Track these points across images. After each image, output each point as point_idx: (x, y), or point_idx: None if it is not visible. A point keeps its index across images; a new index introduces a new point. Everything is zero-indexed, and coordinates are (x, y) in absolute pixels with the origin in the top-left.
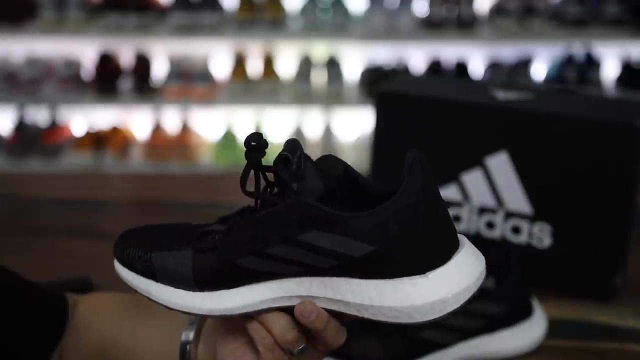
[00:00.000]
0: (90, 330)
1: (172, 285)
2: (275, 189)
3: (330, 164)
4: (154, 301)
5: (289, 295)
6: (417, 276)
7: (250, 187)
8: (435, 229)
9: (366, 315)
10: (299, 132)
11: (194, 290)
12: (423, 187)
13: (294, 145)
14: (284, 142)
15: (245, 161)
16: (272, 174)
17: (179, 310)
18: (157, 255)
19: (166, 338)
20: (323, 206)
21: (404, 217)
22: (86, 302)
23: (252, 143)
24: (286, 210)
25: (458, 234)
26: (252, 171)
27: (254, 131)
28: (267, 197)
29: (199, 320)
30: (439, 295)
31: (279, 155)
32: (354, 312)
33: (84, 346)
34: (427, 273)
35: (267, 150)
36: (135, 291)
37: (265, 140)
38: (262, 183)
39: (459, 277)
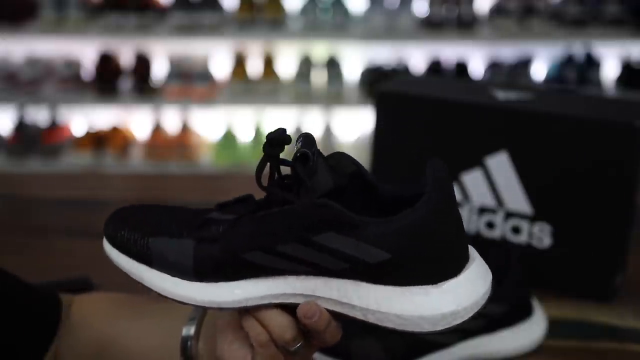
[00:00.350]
0: (86, 330)
1: (168, 273)
2: (286, 182)
3: (340, 161)
4: (147, 287)
5: (292, 293)
6: (430, 286)
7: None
8: (451, 241)
9: (371, 319)
10: (298, 132)
11: (191, 280)
12: (444, 200)
13: (310, 140)
14: (300, 136)
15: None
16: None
17: (173, 300)
18: (155, 240)
19: (165, 336)
20: (343, 209)
21: (423, 229)
22: (82, 301)
23: (277, 139)
24: (303, 209)
25: (469, 249)
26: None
27: (279, 127)
28: (283, 194)
29: (200, 315)
30: (450, 306)
31: (299, 152)
32: (358, 315)
33: (81, 346)
34: (440, 284)
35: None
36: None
37: (289, 136)
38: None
39: (470, 290)
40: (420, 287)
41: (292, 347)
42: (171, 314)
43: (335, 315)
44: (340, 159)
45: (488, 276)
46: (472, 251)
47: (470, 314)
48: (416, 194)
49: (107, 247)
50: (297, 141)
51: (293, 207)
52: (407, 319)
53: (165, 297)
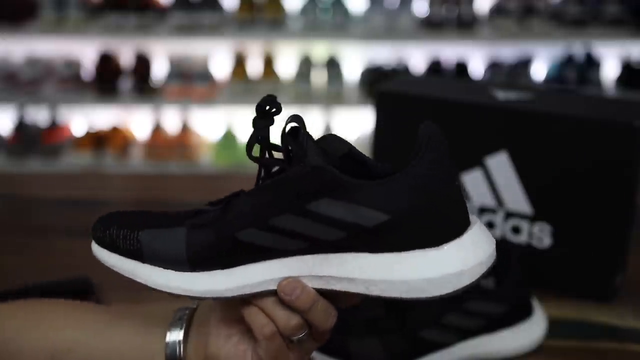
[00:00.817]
0: None
1: (160, 266)
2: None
3: (332, 144)
4: (140, 283)
5: (289, 275)
6: (432, 248)
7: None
8: (450, 202)
9: (374, 292)
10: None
11: (185, 271)
12: (440, 159)
13: (299, 119)
14: (289, 117)
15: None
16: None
17: (167, 293)
18: (145, 233)
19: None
20: (337, 171)
21: (421, 186)
22: None
23: (267, 107)
24: (296, 175)
25: (469, 214)
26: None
27: (268, 94)
28: (275, 162)
29: (187, 317)
30: (454, 268)
31: (287, 124)
32: (360, 289)
33: None
34: (442, 245)
35: (276, 117)
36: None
37: (279, 104)
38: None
39: (473, 251)
40: (421, 250)
41: (296, 335)
42: (138, 323)
43: (337, 296)
44: (332, 141)
45: (492, 240)
46: (473, 217)
47: (477, 277)
48: None
49: (96, 249)
50: (286, 122)
51: (285, 174)
52: (412, 284)
53: (160, 291)
